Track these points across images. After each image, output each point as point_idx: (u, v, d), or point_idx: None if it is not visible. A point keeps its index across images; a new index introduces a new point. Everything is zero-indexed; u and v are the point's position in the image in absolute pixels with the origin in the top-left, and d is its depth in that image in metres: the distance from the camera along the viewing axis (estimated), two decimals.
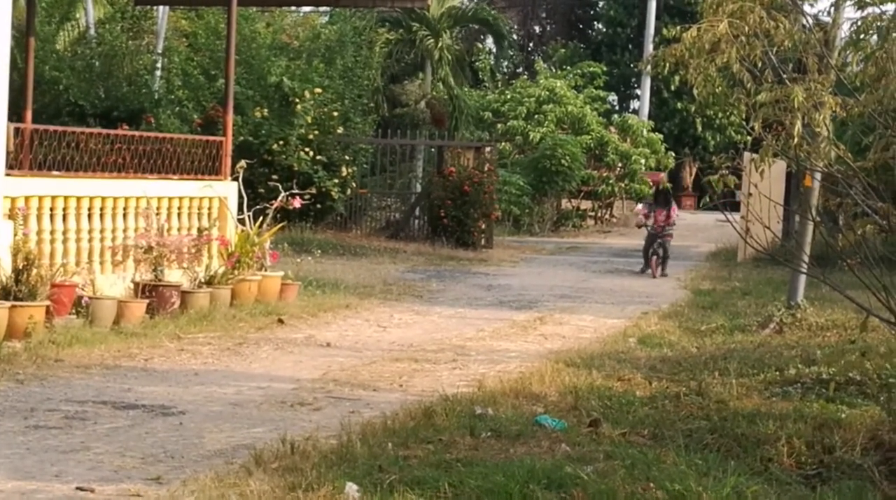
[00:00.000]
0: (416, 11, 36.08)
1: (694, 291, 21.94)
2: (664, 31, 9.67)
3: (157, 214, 16.40)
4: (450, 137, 36.43)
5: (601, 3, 60.52)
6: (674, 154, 43.40)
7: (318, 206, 27.30)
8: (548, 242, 34.13)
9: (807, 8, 9.86)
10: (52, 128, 16.56)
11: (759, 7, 8.95)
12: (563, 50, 55.66)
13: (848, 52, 9.32)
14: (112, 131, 18.94)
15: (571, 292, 21.75)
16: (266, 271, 17.78)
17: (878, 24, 8.96)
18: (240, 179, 18.19)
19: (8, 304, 13.10)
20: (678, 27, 9.23)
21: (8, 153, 14.52)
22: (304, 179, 26.33)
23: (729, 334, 15.76)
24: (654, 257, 25.43)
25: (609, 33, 57.42)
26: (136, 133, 18.74)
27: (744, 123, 9.27)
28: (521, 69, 57.45)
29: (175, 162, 17.24)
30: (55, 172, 15.33)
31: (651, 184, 34.92)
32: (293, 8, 36.93)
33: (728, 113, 9.68)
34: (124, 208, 15.95)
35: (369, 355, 13.78)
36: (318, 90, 28.44)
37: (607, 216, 42.39)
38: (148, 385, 11.42)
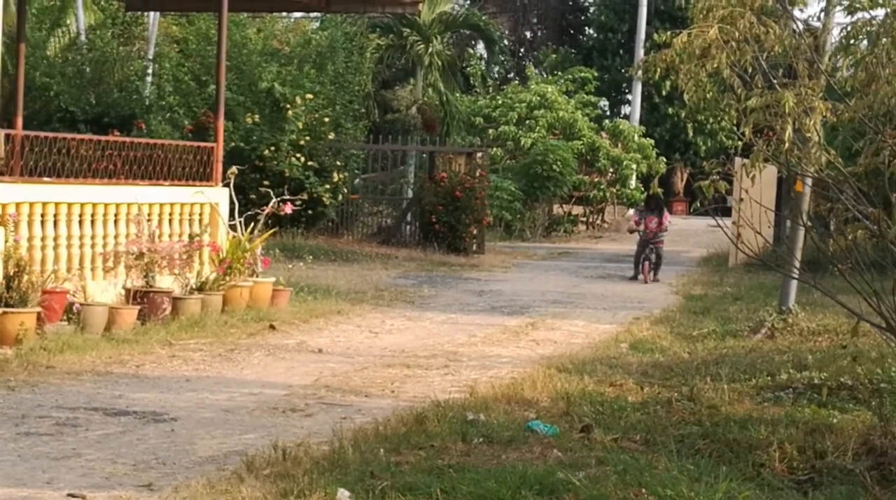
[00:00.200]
0: (407, 17, 36.09)
1: (685, 296, 21.96)
2: (655, 37, 9.69)
3: (149, 220, 16.38)
4: (441, 142, 36.43)
5: (592, 9, 60.56)
6: (665, 159, 43.41)
7: (310, 212, 27.28)
8: (539, 248, 34.14)
9: (797, 13, 9.87)
10: (42, 134, 16.52)
11: (749, 12, 8.96)
12: (554, 55, 55.67)
13: (838, 57, 9.34)
14: (103, 137, 18.91)
15: (563, 297, 21.76)
16: (257, 277, 17.77)
17: (868, 29, 8.98)
18: (231, 185, 18.18)
19: None
20: (669, 32, 9.24)
21: None
22: (296, 185, 26.32)
23: (720, 339, 15.77)
24: (646, 263, 25.43)
25: (600, 39, 57.43)
26: (127, 139, 18.74)
27: (735, 128, 9.29)
28: (512, 75, 57.44)
29: (166, 168, 17.22)
30: (46, 179, 15.31)
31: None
32: (284, 14, 36.89)
33: (719, 118, 9.69)
34: (115, 215, 15.93)
35: (361, 360, 13.77)
36: (310, 96, 28.43)
37: (599, 222, 42.40)
38: (139, 392, 11.41)
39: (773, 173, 23.11)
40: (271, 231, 19.23)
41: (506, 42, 56.95)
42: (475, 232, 29.98)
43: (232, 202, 18.12)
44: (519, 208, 36.69)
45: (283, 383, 12.13)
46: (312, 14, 38.53)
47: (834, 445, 9.22)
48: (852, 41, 9.07)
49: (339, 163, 29.23)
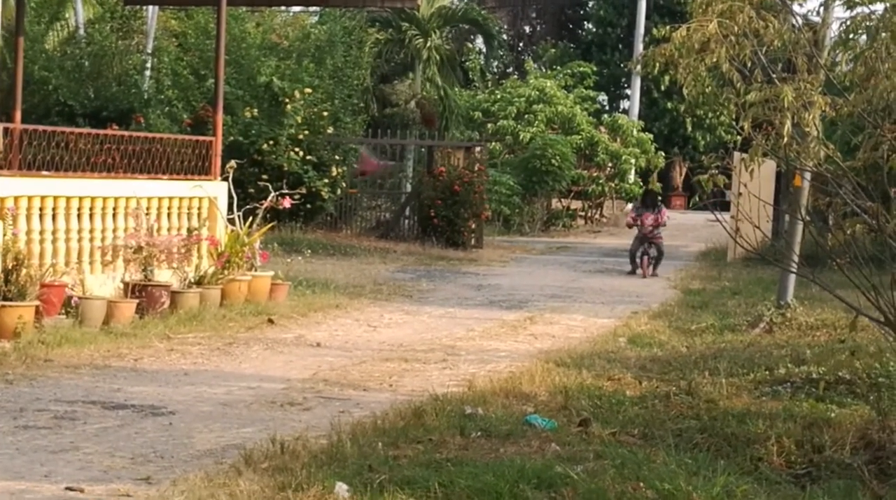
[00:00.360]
0: (406, 11, 36.06)
1: (684, 290, 21.96)
2: (654, 31, 9.67)
3: (147, 214, 16.38)
4: (440, 137, 36.43)
5: (591, 3, 60.49)
6: (664, 154, 43.40)
7: (308, 206, 27.27)
8: (538, 242, 34.14)
9: (796, 8, 9.87)
10: (41, 128, 16.53)
11: (748, 7, 8.95)
12: (553, 50, 55.65)
13: (837, 51, 9.33)
14: (101, 131, 18.91)
15: (561, 291, 21.76)
16: (256, 271, 17.77)
17: (867, 23, 8.97)
18: (230, 179, 18.18)
19: None
20: (668, 27, 9.23)
21: None
22: (294, 179, 26.30)
23: (719, 333, 15.77)
24: (645, 257, 25.43)
25: (599, 33, 57.40)
26: (126, 133, 18.72)
27: (733, 122, 9.28)
28: (511, 69, 57.46)
29: (165, 162, 17.22)
30: (45, 172, 15.31)
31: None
32: (283, 8, 36.90)
33: (718, 113, 9.68)
34: (114, 208, 15.93)
35: (359, 354, 13.77)
36: (308, 90, 28.42)
37: (597, 216, 42.40)
38: (137, 385, 11.41)
39: (771, 168, 23.09)
40: (270, 225, 19.22)
41: (505, 37, 56.94)
42: (474, 226, 29.98)
43: (230, 196, 18.11)
44: (517, 203, 36.69)
45: (281, 377, 12.13)
46: (311, 8, 38.56)
47: (832, 439, 9.23)
48: (851, 36, 9.07)
49: (337, 157, 29.22)
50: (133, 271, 15.75)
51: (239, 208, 18.13)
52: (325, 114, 28.75)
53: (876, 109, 8.96)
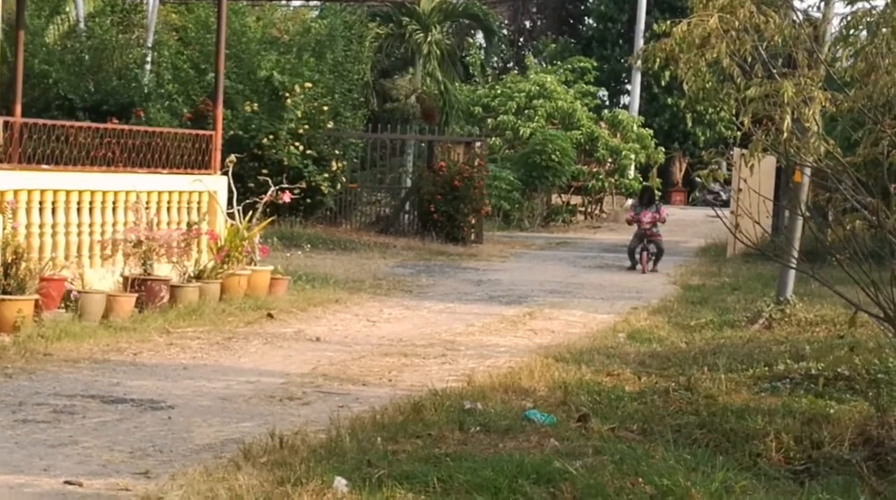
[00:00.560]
0: (407, 6, 36.08)
1: (683, 286, 21.95)
2: (654, 27, 9.67)
3: (147, 208, 16.38)
4: (440, 132, 36.41)
5: None
6: (664, 149, 43.36)
7: (308, 200, 27.25)
8: (538, 238, 34.12)
9: (797, 3, 9.88)
10: (41, 121, 16.52)
11: (749, 2, 8.95)
12: (553, 45, 55.62)
13: (837, 47, 9.33)
14: (101, 125, 18.87)
15: (561, 287, 21.75)
16: (255, 265, 17.77)
17: (868, 19, 8.96)
18: (229, 174, 18.17)
19: None
20: (668, 22, 9.23)
21: None
22: (294, 174, 26.29)
23: (718, 329, 15.77)
24: (644, 253, 25.43)
25: (599, 28, 57.37)
26: (126, 127, 18.73)
27: (734, 118, 9.28)
28: (511, 64, 57.40)
29: (165, 156, 17.22)
30: (44, 166, 15.30)
31: None
32: (283, 2, 36.91)
33: (718, 108, 9.68)
34: (114, 202, 15.93)
35: (359, 349, 13.77)
36: (308, 85, 28.39)
37: (597, 212, 42.38)
38: (137, 379, 11.41)
39: (771, 163, 23.10)
40: (269, 220, 19.22)
41: (505, 32, 56.94)
42: (473, 221, 29.96)
43: (230, 190, 18.11)
44: (517, 198, 36.67)
45: (280, 372, 12.13)
46: (312, 2, 38.56)
47: (831, 435, 9.23)
48: (852, 31, 9.06)
49: (337, 152, 29.21)
50: (132, 265, 15.75)
51: (239, 203, 18.12)
52: (326, 108, 28.73)
53: (876, 105, 8.96)
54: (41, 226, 14.71)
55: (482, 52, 48.83)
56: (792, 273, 16.73)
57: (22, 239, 14.11)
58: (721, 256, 27.76)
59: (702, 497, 7.52)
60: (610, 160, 40.84)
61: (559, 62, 45.67)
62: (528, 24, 63.66)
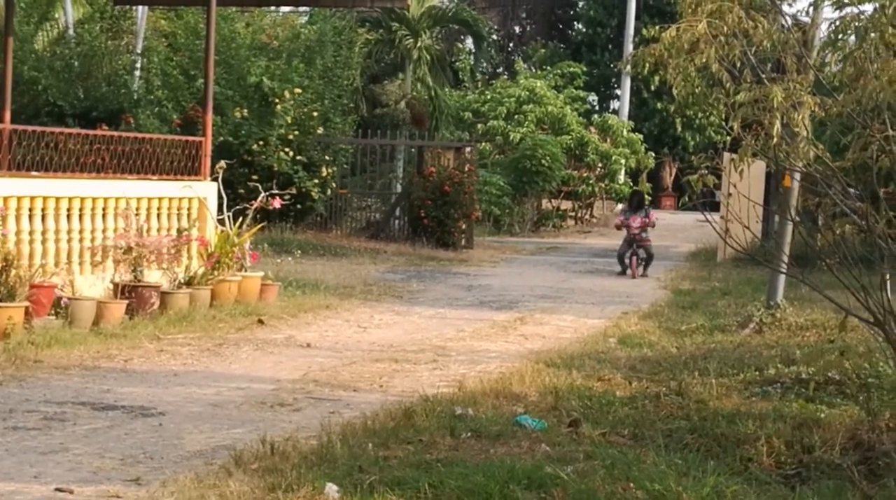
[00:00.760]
0: (396, 11, 36.07)
1: (674, 291, 21.97)
2: (644, 31, 9.68)
3: (137, 214, 16.36)
4: (430, 137, 36.43)
5: (581, 4, 60.54)
6: (653, 154, 43.43)
7: (299, 206, 27.26)
8: (528, 243, 34.15)
9: (785, 8, 9.88)
10: (30, 128, 16.52)
11: (737, 7, 8.96)
12: (543, 50, 55.66)
13: (826, 52, 9.34)
14: (91, 132, 18.89)
15: (552, 292, 21.76)
16: (246, 271, 17.76)
17: (857, 24, 8.98)
18: (219, 180, 18.16)
19: None
20: (657, 27, 9.24)
21: None
22: (284, 180, 26.27)
23: (709, 334, 15.78)
24: (634, 258, 25.45)
25: (589, 33, 57.45)
26: (116, 133, 18.69)
27: (723, 123, 9.29)
28: (501, 69, 57.44)
29: (154, 162, 17.21)
30: (34, 173, 15.29)
31: None
32: (273, 8, 36.82)
33: (707, 113, 9.68)
34: (103, 209, 15.91)
35: (349, 355, 13.77)
36: (298, 90, 28.41)
37: (587, 216, 42.42)
38: (127, 386, 11.39)
39: (761, 168, 23.07)
40: (260, 226, 19.21)
41: (494, 37, 56.95)
42: (464, 227, 29.98)
43: (220, 197, 18.10)
44: (508, 203, 36.70)
45: (271, 378, 12.12)
46: (301, 8, 38.52)
47: (821, 439, 9.23)
48: (840, 36, 9.08)
49: (327, 157, 29.22)
50: (123, 271, 15.73)
51: (229, 209, 18.11)
52: (315, 114, 28.75)
53: (865, 110, 8.97)
54: (31, 233, 14.69)
55: (472, 57, 48.90)
56: (782, 278, 16.74)
57: (12, 246, 14.09)
58: (711, 260, 27.80)
59: None
60: (600, 165, 40.90)
61: (549, 67, 45.73)
62: (517, 29, 63.71)
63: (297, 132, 28.22)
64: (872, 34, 8.82)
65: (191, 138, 18.45)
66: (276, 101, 27.99)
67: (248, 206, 18.38)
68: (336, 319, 16.94)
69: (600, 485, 7.75)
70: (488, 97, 42.01)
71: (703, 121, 11.71)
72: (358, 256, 26.32)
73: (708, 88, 9.31)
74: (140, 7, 30.27)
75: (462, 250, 29.29)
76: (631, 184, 39.91)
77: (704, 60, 8.92)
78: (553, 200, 40.38)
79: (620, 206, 29.63)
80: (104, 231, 15.85)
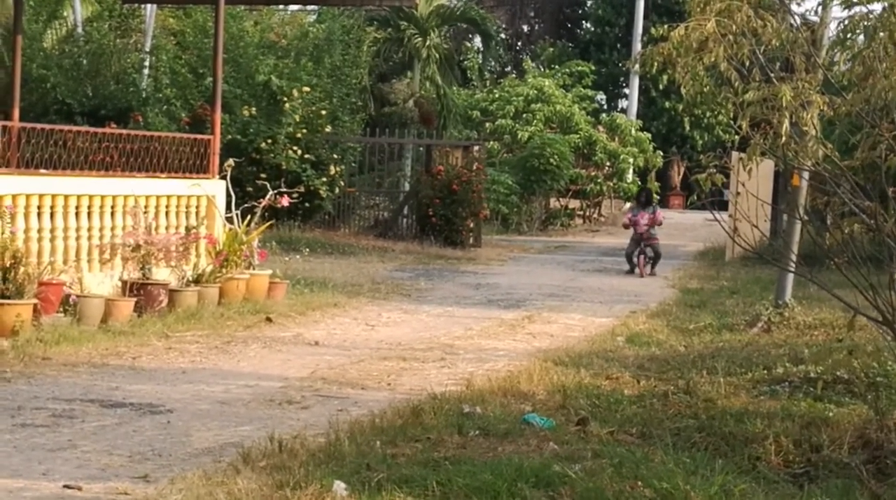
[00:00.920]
0: (405, 10, 36.07)
1: (682, 290, 21.96)
2: (652, 30, 9.67)
3: (145, 212, 16.38)
4: (438, 135, 36.42)
5: (589, 3, 60.53)
6: (662, 153, 43.41)
7: (307, 204, 27.27)
8: (536, 241, 34.13)
9: (794, 7, 9.87)
10: (39, 126, 16.53)
11: (746, 6, 8.95)
12: (551, 49, 55.64)
13: (835, 51, 9.33)
14: (100, 130, 18.91)
15: (560, 290, 21.76)
16: (254, 269, 17.76)
17: (865, 23, 8.97)
18: (228, 178, 18.18)
19: None
20: (666, 26, 9.23)
21: None
22: (293, 178, 26.29)
23: (717, 332, 15.78)
24: (642, 257, 25.44)
25: (597, 32, 57.42)
26: (124, 131, 18.71)
27: (731, 121, 9.27)
28: (509, 68, 57.42)
29: (163, 160, 17.22)
30: (43, 171, 15.30)
31: None
32: (281, 6, 36.88)
33: (716, 112, 9.68)
34: (112, 207, 15.93)
35: (357, 353, 13.77)
36: (307, 89, 28.40)
37: (595, 215, 42.40)
38: (135, 384, 11.41)
39: (769, 167, 23.10)
40: (268, 224, 19.22)
41: (503, 36, 56.93)
42: (472, 225, 29.97)
43: (229, 195, 18.12)
44: (516, 202, 36.70)
45: (279, 376, 12.13)
46: (310, 7, 38.55)
47: (830, 438, 9.23)
48: (849, 35, 9.07)
49: (335, 156, 29.22)
50: (131, 269, 15.74)
51: (237, 207, 18.13)
52: (324, 112, 28.75)
53: (874, 109, 8.96)
54: (40, 230, 14.71)
55: (480, 56, 48.87)
56: (790, 277, 16.73)
57: (20, 243, 14.10)
58: (719, 259, 27.77)
59: None
60: (608, 164, 40.88)
61: (557, 66, 45.72)
62: (525, 28, 63.71)
63: (305, 131, 28.22)
64: (881, 33, 8.82)
65: (199, 136, 18.46)
66: (285, 99, 27.99)
67: (256, 204, 18.39)
68: (344, 317, 16.95)
69: (608, 484, 7.75)
70: (496, 96, 42.00)
71: (711, 120, 11.72)
72: (366, 254, 26.32)
73: (716, 86, 9.30)
74: (149, 5, 30.26)
75: (470, 248, 29.29)
76: (639, 183, 39.86)
77: (713, 59, 8.91)
78: (561, 199, 40.36)
79: (629, 204, 29.63)
80: (113, 229, 15.87)
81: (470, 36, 50.41)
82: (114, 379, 11.57)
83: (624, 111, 48.83)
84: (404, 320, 17.08)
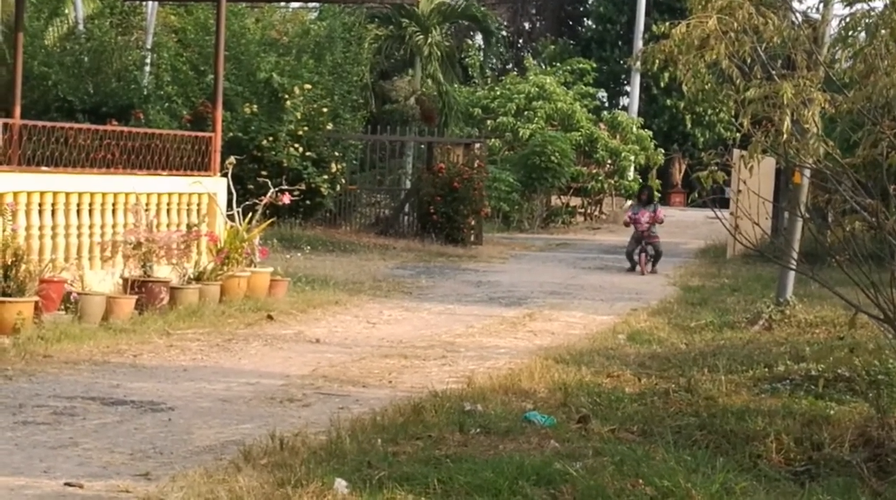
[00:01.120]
0: (406, 8, 36.06)
1: (683, 287, 21.95)
2: (654, 28, 9.67)
3: (146, 209, 16.38)
4: (439, 133, 36.41)
5: (591, 0, 60.52)
6: (663, 151, 43.41)
7: (308, 202, 27.26)
8: (537, 239, 34.13)
9: (796, 4, 9.87)
10: (40, 123, 16.52)
11: (748, 3, 8.95)
12: (552, 46, 55.62)
13: (837, 48, 9.33)
14: (101, 127, 18.89)
15: (561, 288, 21.76)
16: (255, 267, 17.77)
17: (867, 20, 8.97)
18: (229, 175, 18.18)
19: None
20: (667, 23, 9.23)
21: None
22: (294, 176, 26.29)
23: (718, 330, 15.77)
24: (643, 254, 25.44)
25: (599, 30, 57.40)
26: (125, 129, 18.73)
27: (733, 119, 9.28)
28: (510, 66, 57.38)
29: (164, 158, 17.22)
30: (44, 168, 15.30)
31: None
32: (282, 4, 36.89)
33: (717, 109, 9.68)
34: (113, 204, 15.93)
35: (358, 351, 13.78)
36: (308, 86, 28.40)
37: (597, 213, 42.39)
38: (137, 381, 11.41)
39: (771, 165, 23.12)
40: (269, 221, 19.22)
41: (504, 33, 56.94)
42: (473, 223, 29.97)
43: (230, 192, 18.12)
44: (517, 200, 36.69)
45: (280, 373, 12.13)
46: (311, 4, 38.56)
47: (831, 436, 9.23)
48: (851, 33, 9.07)
49: (337, 153, 29.21)
50: (132, 266, 15.75)
51: (238, 204, 18.13)
52: (325, 110, 28.74)
53: (875, 106, 8.96)
54: (41, 228, 14.71)
55: (481, 53, 48.84)
56: (792, 274, 16.73)
57: (22, 241, 14.11)
58: (721, 257, 27.77)
59: (702, 499, 7.52)
60: (609, 162, 40.88)
61: (558, 64, 45.70)
62: (527, 25, 63.69)
63: (306, 128, 28.22)
64: (883, 31, 8.82)
65: (200, 134, 18.46)
66: (286, 97, 27.99)
67: (257, 201, 18.39)
68: (345, 315, 16.96)
69: (609, 481, 7.75)
70: (498, 93, 41.99)
71: (712, 117, 11.72)
72: (367, 252, 26.33)
73: (718, 84, 9.30)
74: (150, 3, 30.31)
75: (471, 246, 29.29)
76: (640, 181, 39.86)
77: (714, 57, 8.91)
78: (562, 197, 40.35)
79: (630, 202, 29.60)
80: (114, 226, 15.87)
81: (471, 33, 50.36)
82: (115, 377, 11.57)
83: (625, 109, 48.81)
84: (405, 317, 17.08)
